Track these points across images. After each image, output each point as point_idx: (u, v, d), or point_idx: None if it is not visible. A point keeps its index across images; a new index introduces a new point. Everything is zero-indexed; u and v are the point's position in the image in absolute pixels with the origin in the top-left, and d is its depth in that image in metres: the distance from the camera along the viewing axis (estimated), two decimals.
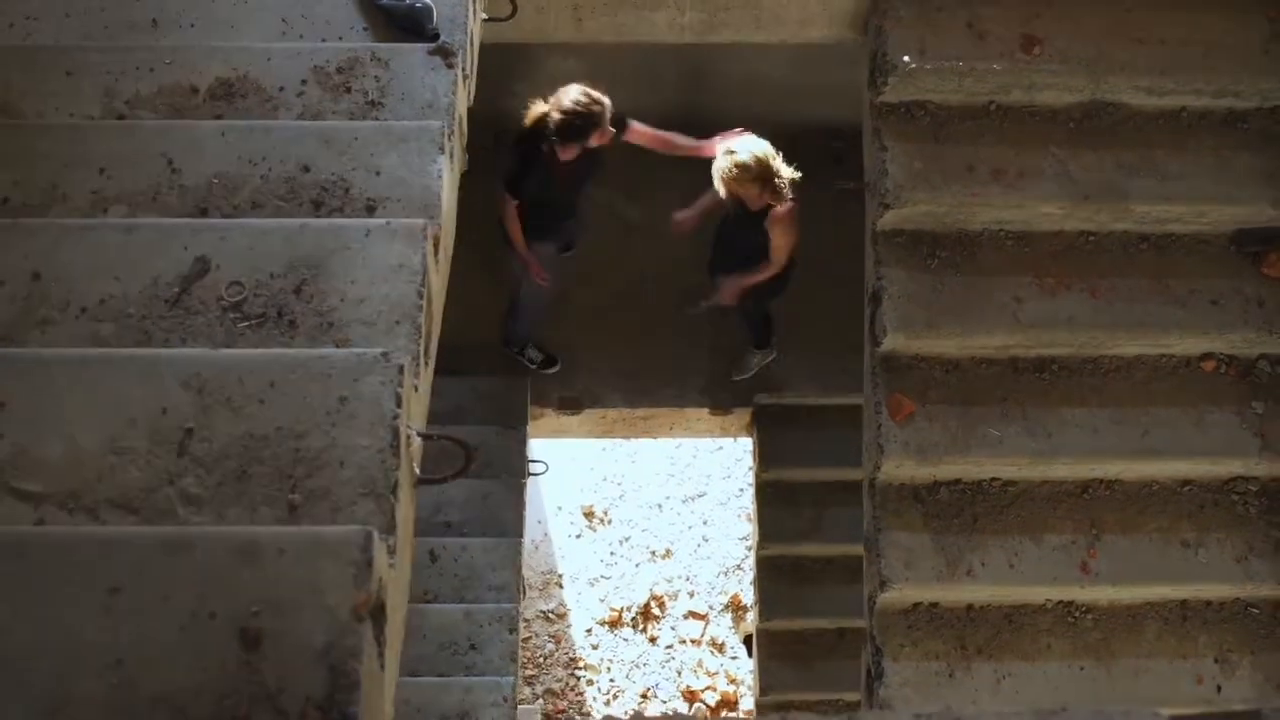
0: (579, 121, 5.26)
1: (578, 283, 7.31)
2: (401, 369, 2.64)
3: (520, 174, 5.72)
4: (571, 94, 5.27)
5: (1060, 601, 4.56)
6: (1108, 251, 4.68)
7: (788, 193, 5.41)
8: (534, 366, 7.24)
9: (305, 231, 3.01)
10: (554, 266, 6.50)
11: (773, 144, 6.53)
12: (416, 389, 2.83)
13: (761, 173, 5.31)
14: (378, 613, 2.21)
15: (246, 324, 2.89)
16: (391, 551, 2.42)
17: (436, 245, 3.13)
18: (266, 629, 2.07)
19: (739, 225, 5.78)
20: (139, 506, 2.49)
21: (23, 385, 2.59)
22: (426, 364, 3.03)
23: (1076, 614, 4.56)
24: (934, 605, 4.57)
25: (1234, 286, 4.61)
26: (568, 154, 5.44)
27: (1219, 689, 4.45)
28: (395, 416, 2.59)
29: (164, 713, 2.01)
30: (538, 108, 5.40)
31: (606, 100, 5.33)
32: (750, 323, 7.00)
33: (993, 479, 4.59)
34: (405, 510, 2.65)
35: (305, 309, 2.91)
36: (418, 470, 2.81)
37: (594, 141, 5.40)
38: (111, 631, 2.08)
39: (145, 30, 3.85)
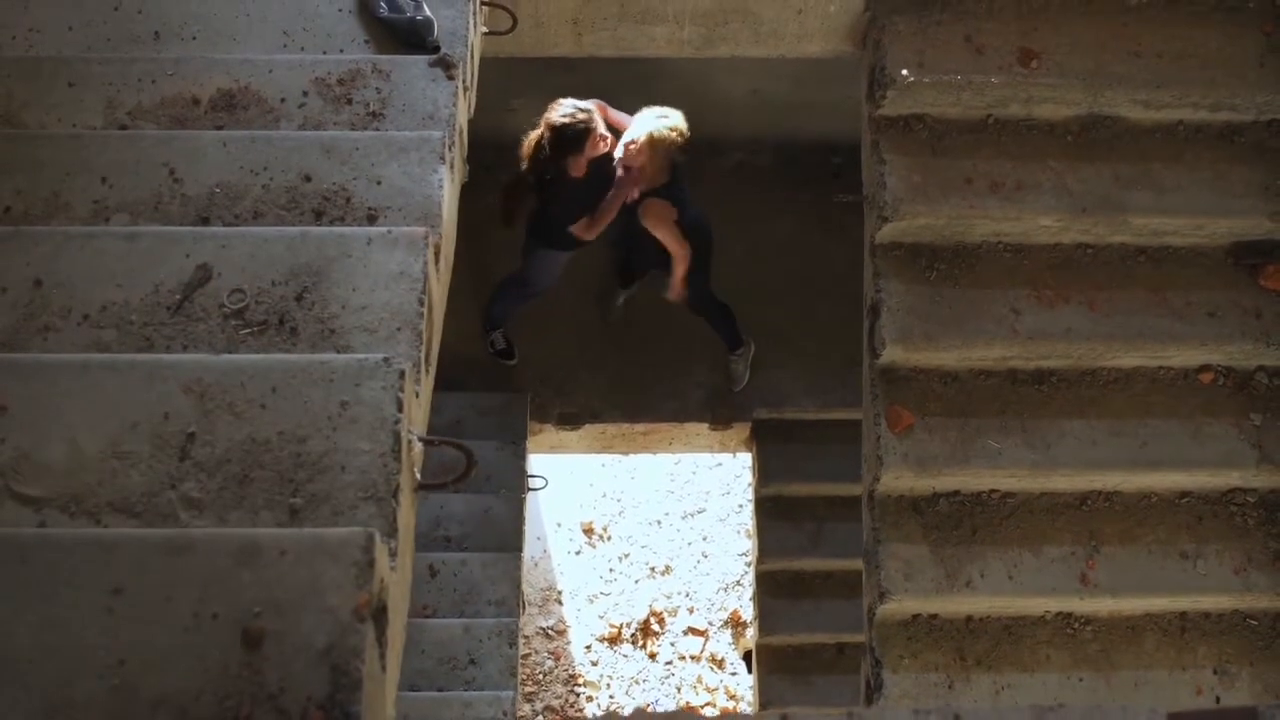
0: (570, 132, 5.44)
1: (577, 299, 7.34)
2: (403, 374, 2.66)
3: (547, 202, 5.93)
4: (557, 110, 5.48)
5: (1059, 613, 4.56)
6: (1105, 264, 4.69)
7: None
8: (492, 351, 7.24)
9: (306, 239, 3.03)
10: (556, 271, 6.61)
11: (774, 158, 6.60)
12: (418, 395, 2.84)
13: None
14: (379, 614, 2.22)
15: (248, 331, 2.90)
16: (393, 554, 2.43)
17: (437, 254, 3.15)
18: (268, 629, 2.08)
19: (629, 218, 6.06)
20: (140, 510, 2.50)
21: (25, 390, 2.60)
22: (428, 371, 3.04)
23: (1075, 625, 4.56)
24: (933, 617, 4.56)
25: (1231, 298, 4.62)
26: (577, 169, 5.58)
27: (1218, 700, 4.45)
28: (396, 421, 2.61)
29: (165, 714, 2.02)
30: (532, 136, 5.58)
31: (592, 107, 5.52)
32: (710, 319, 7.02)
33: (992, 490, 4.59)
34: (406, 515, 2.65)
35: (307, 316, 2.92)
36: (419, 475, 2.82)
37: (592, 150, 5.52)
38: (113, 633, 2.08)
39: (147, 42, 3.88)
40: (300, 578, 2.13)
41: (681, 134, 5.61)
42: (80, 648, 2.08)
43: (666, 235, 5.97)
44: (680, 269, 6.20)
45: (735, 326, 7.03)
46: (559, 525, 9.61)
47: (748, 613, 9.03)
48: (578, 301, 7.38)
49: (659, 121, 5.59)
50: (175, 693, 2.03)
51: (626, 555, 9.52)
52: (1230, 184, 4.63)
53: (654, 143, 5.58)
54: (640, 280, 7.20)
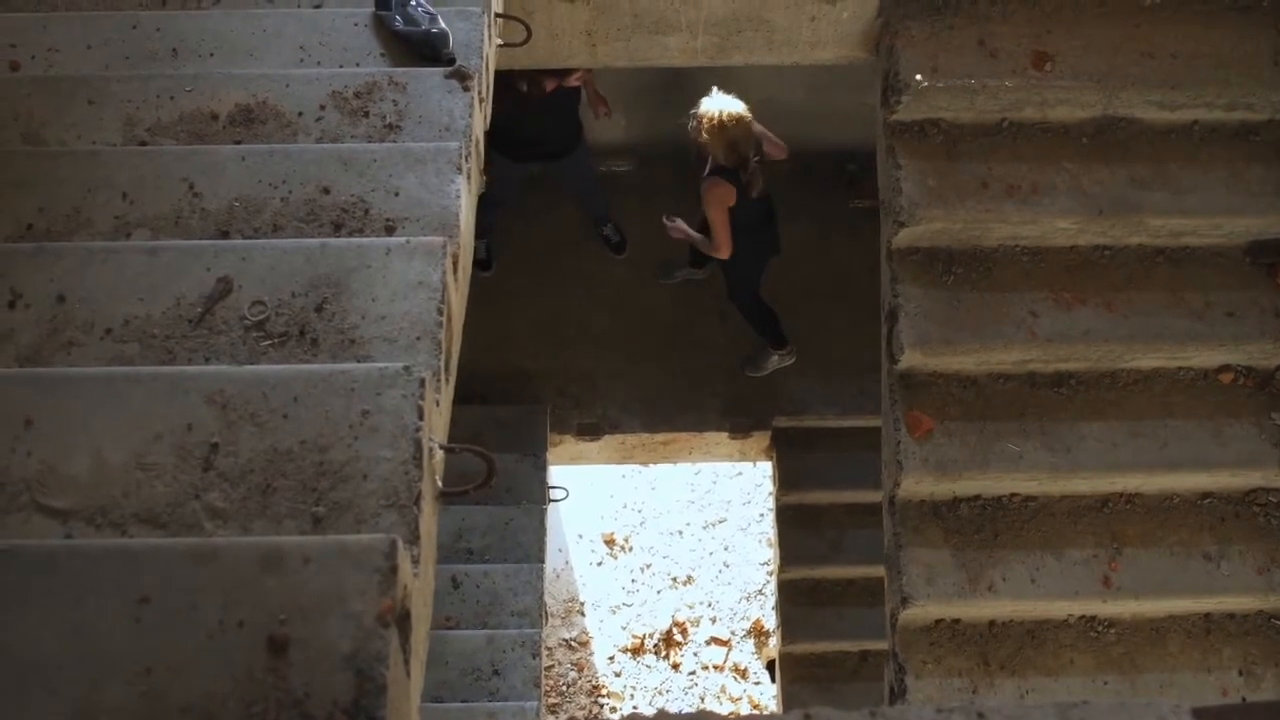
0: None
1: (595, 310, 7.36)
2: (423, 382, 2.67)
3: (514, 108, 6.29)
4: None
5: (1082, 616, 4.55)
6: (1123, 265, 4.69)
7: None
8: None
9: (326, 251, 3.04)
10: (520, 186, 7.12)
11: (789, 166, 6.64)
12: (438, 404, 2.85)
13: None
14: (403, 620, 2.23)
15: (269, 342, 2.92)
16: (415, 561, 2.44)
17: (455, 263, 3.16)
18: (293, 636, 2.09)
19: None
20: (165, 521, 2.51)
21: (50, 403, 2.62)
22: (447, 380, 3.05)
23: (1099, 628, 4.55)
24: (956, 621, 4.56)
25: (1250, 298, 4.61)
26: (550, 84, 6.23)
27: (1244, 701, 4.43)
28: (418, 429, 2.61)
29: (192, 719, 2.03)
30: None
31: None
32: (750, 320, 7.09)
33: (1012, 494, 4.59)
34: (428, 522, 2.66)
35: (327, 327, 2.93)
36: (440, 483, 2.83)
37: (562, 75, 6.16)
38: (140, 640, 2.09)
39: (165, 60, 3.90)
40: (324, 584, 2.14)
41: (739, 122, 5.75)
42: (108, 655, 2.09)
43: (714, 217, 6.07)
44: (711, 251, 6.33)
45: (779, 330, 7.09)
46: (580, 536, 9.62)
47: (770, 622, 9.02)
48: (596, 313, 7.41)
49: (727, 104, 5.78)
50: (202, 698, 2.04)
51: (648, 566, 9.52)
52: (1247, 183, 4.63)
53: (718, 123, 5.77)
54: (707, 266, 7.32)
